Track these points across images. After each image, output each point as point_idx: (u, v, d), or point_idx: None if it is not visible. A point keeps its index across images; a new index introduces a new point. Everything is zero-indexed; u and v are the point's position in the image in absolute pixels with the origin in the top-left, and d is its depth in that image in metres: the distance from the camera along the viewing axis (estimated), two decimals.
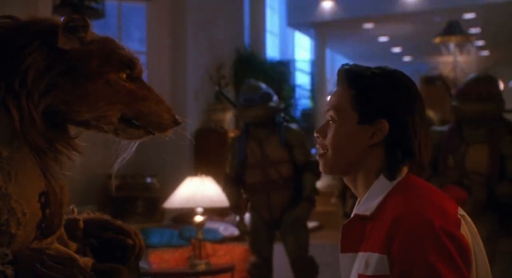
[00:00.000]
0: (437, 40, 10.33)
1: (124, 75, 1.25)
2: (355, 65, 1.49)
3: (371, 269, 1.34)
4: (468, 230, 1.38)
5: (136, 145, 1.30)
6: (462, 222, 1.36)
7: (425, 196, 1.39)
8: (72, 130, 1.26)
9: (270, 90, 4.52)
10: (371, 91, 1.43)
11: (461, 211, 1.41)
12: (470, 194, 3.72)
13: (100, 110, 1.21)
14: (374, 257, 1.34)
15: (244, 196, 4.55)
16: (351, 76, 1.46)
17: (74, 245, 1.29)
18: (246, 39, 9.03)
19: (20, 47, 1.17)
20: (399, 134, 1.41)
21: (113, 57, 1.24)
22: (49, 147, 1.19)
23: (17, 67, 1.16)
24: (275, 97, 4.49)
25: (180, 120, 1.29)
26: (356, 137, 1.44)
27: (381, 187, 1.43)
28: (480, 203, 3.67)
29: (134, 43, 8.20)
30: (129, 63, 1.26)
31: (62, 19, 1.24)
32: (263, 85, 4.56)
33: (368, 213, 1.42)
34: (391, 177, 1.42)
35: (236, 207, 4.51)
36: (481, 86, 3.79)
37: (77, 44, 1.21)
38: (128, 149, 1.31)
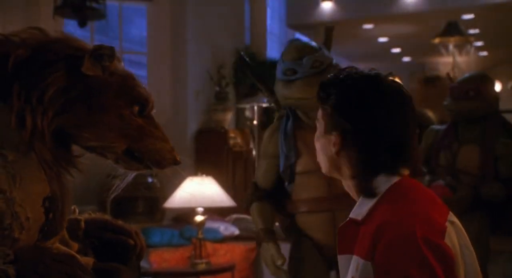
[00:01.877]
0: (436, 40, 10.34)
1: (136, 109, 1.29)
2: (334, 75, 1.54)
3: (359, 274, 1.37)
4: (456, 235, 1.39)
5: (133, 175, 1.34)
6: (449, 229, 1.38)
7: (412, 203, 1.41)
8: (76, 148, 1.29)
9: (325, 53, 2.87)
10: (334, 104, 1.49)
11: (451, 217, 1.42)
12: (454, 193, 3.70)
13: (108, 141, 1.25)
14: (361, 262, 1.37)
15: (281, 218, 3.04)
16: (322, 87, 1.54)
17: (75, 245, 1.30)
18: (247, 39, 9.05)
19: (45, 64, 1.20)
20: (358, 145, 1.46)
21: (131, 94, 1.28)
22: (54, 162, 1.21)
23: (38, 83, 1.18)
24: (332, 62, 2.85)
25: (180, 161, 1.33)
26: (326, 146, 1.52)
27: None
28: (466, 203, 3.65)
29: (135, 43, 8.22)
30: (143, 102, 1.30)
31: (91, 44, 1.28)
32: (315, 45, 2.95)
33: (359, 218, 1.45)
34: (360, 187, 1.47)
35: (269, 231, 2.93)
36: (471, 85, 3.80)
37: (100, 72, 1.24)
38: (126, 179, 1.35)
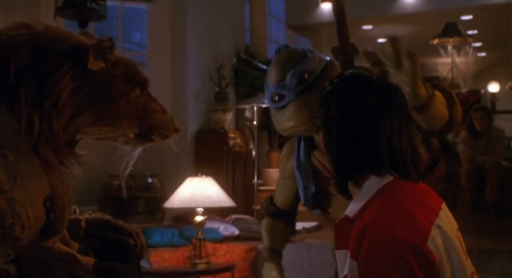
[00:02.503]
0: (435, 41, 10.36)
1: (138, 91, 1.33)
2: (331, 81, 1.58)
3: (348, 271, 1.40)
4: (442, 239, 1.40)
5: (140, 150, 1.39)
6: (433, 233, 1.38)
7: (399, 205, 1.42)
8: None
9: (315, 55, 2.40)
10: (320, 105, 1.57)
11: (439, 221, 1.43)
12: None
13: (123, 128, 1.30)
14: (349, 260, 1.40)
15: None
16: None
17: (76, 245, 1.31)
18: (247, 40, 9.06)
19: (51, 69, 1.20)
20: (335, 145, 1.52)
21: (134, 80, 1.32)
22: (58, 164, 1.23)
23: (49, 90, 1.19)
24: (326, 64, 2.38)
25: (179, 129, 1.40)
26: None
27: (367, 191, 1.47)
28: None
29: (135, 44, 8.24)
30: (144, 84, 1.35)
31: (92, 39, 1.30)
32: (299, 51, 2.43)
33: (351, 215, 1.47)
34: (337, 186, 1.55)
35: (273, 251, 2.77)
36: None
37: (103, 65, 1.26)
38: (133, 154, 1.39)
